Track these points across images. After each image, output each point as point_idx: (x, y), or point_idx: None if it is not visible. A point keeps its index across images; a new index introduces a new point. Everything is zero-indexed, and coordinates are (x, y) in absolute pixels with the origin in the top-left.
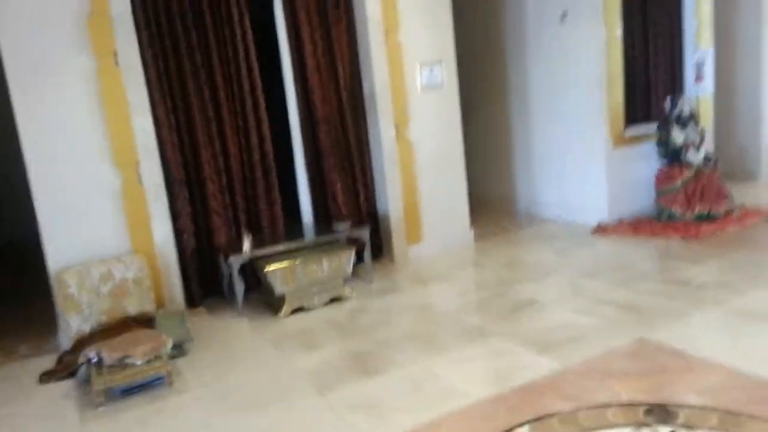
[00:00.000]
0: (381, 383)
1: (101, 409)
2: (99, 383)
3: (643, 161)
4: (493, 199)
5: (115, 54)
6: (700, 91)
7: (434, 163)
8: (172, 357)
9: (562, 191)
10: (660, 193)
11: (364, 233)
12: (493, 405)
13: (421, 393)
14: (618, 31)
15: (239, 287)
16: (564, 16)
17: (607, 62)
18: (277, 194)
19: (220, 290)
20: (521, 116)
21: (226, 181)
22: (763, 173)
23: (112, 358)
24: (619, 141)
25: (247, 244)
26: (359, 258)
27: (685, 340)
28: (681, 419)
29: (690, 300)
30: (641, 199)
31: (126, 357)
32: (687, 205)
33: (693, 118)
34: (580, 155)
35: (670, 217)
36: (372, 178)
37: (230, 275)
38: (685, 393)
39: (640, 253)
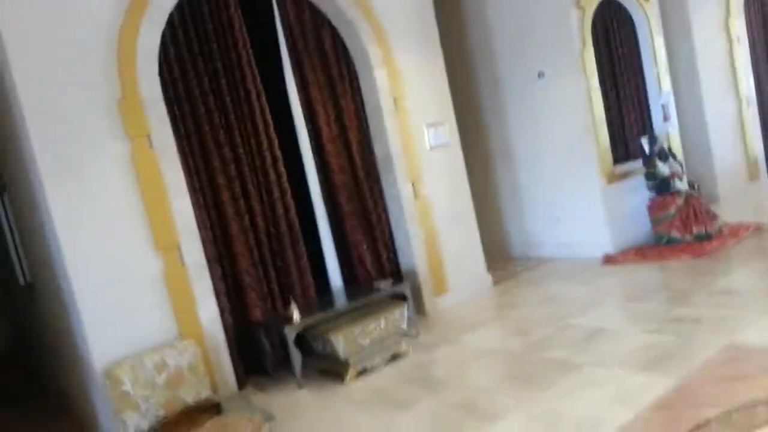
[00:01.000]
0: (507, 427)
1: None
2: None
3: (634, 194)
4: (486, 245)
5: (149, 136)
6: (669, 129)
7: (448, 216)
8: None
9: (559, 231)
10: (656, 221)
11: (405, 289)
12: (644, 425)
13: (558, 429)
14: (595, 82)
15: (297, 359)
16: (542, 75)
17: (592, 109)
18: (306, 262)
19: (260, 367)
20: (506, 166)
21: (258, 256)
22: (720, 195)
23: None
24: (611, 178)
25: (296, 314)
26: None
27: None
28: None
29: (746, 305)
30: (637, 228)
31: None
32: (684, 228)
33: (671, 152)
34: (576, 195)
35: (670, 241)
36: (391, 237)
37: (272, 350)
38: None
39: (664, 274)
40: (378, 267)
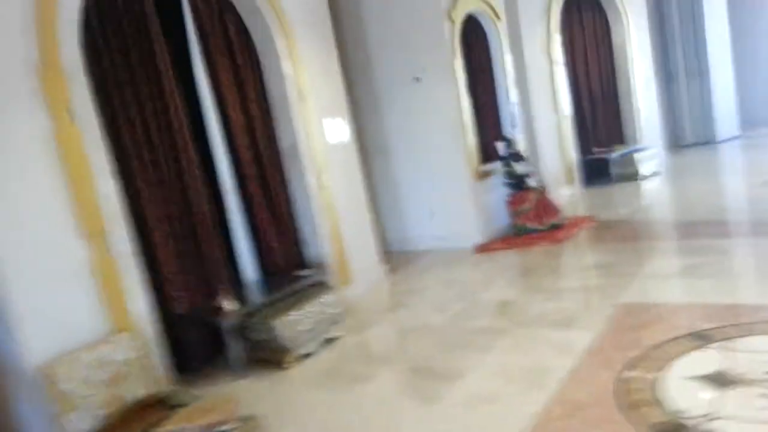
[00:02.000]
0: (473, 382)
1: None
2: None
3: (495, 191)
4: None
5: (69, 110)
6: (516, 134)
7: (346, 208)
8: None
9: (433, 224)
10: (515, 214)
11: (326, 276)
12: (587, 367)
13: (518, 377)
14: (463, 88)
15: (236, 348)
16: (418, 79)
17: (461, 112)
18: (222, 253)
19: (187, 362)
20: (382, 164)
21: (174, 247)
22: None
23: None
24: (478, 176)
25: (228, 304)
26: None
27: (646, 294)
28: (715, 339)
29: (613, 276)
30: (499, 221)
31: (219, 424)
32: (539, 219)
33: (522, 154)
34: (448, 191)
35: (527, 231)
36: (295, 228)
37: (198, 343)
38: (683, 324)
39: (534, 257)
40: (286, 258)
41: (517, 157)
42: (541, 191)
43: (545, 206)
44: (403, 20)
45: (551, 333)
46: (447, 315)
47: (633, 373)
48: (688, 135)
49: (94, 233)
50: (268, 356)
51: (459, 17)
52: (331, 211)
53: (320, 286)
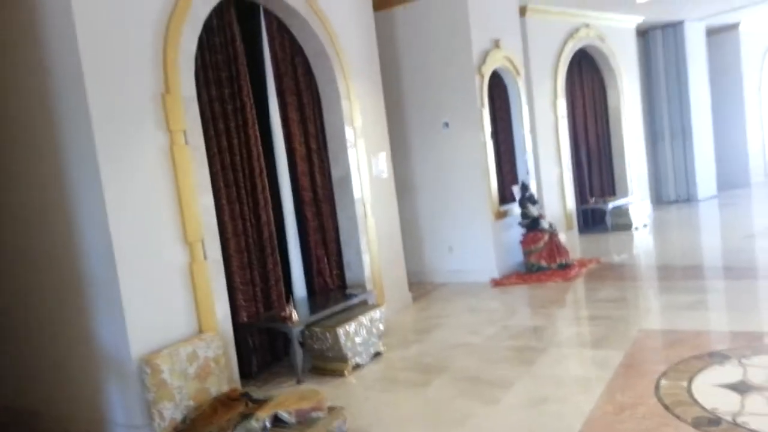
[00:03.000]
0: (523, 388)
1: None
2: None
3: (510, 230)
4: None
5: (185, 132)
6: (529, 179)
7: (384, 236)
8: None
9: (450, 259)
10: (528, 252)
11: (372, 297)
12: (623, 377)
13: (564, 384)
14: (488, 135)
15: (299, 354)
16: (446, 125)
17: (486, 157)
18: (280, 271)
19: (248, 367)
20: (406, 201)
21: (246, 259)
22: None
23: (295, 415)
24: (498, 215)
25: (295, 314)
26: None
27: (663, 322)
28: (731, 357)
29: (627, 307)
30: (513, 258)
31: (312, 410)
32: (550, 258)
33: (535, 197)
34: (469, 228)
35: (539, 269)
36: (339, 253)
37: (258, 350)
38: (702, 346)
39: (550, 292)
40: (331, 279)
41: (532, 200)
42: (552, 233)
43: (556, 246)
44: (437, 72)
45: (585, 351)
46: (482, 336)
47: (666, 382)
48: (671, 192)
49: (193, 240)
50: (326, 364)
51: (487, 72)
52: (372, 239)
53: (367, 305)
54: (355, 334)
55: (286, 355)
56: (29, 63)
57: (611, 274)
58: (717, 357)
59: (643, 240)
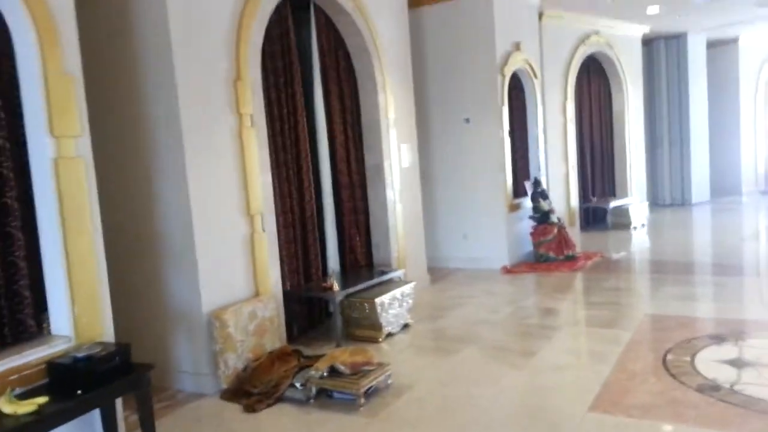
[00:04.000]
0: (547, 355)
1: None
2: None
3: (521, 222)
4: None
5: (251, 116)
6: (539, 176)
7: (408, 221)
8: None
9: (464, 246)
10: (538, 244)
11: (401, 273)
12: (634, 351)
13: (583, 355)
14: (506, 134)
15: (339, 320)
16: (467, 120)
17: (504, 152)
18: (318, 247)
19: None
20: (424, 189)
21: (292, 234)
22: None
23: (350, 367)
24: (511, 208)
25: (336, 285)
26: None
27: (665, 309)
28: (728, 339)
29: (633, 295)
30: (522, 248)
31: (364, 364)
32: (559, 250)
33: (546, 193)
34: (484, 218)
35: (548, 259)
36: (368, 234)
37: (300, 316)
38: (701, 329)
39: (560, 280)
40: (362, 257)
41: (543, 195)
42: (561, 226)
43: (564, 239)
44: (461, 70)
45: (597, 330)
46: (501, 314)
47: (672, 357)
48: (666, 195)
49: (254, 214)
50: (362, 332)
51: (509, 73)
52: (399, 223)
53: (399, 281)
54: (389, 306)
55: (321, 323)
56: (126, 57)
57: (614, 266)
58: (715, 338)
59: (641, 238)
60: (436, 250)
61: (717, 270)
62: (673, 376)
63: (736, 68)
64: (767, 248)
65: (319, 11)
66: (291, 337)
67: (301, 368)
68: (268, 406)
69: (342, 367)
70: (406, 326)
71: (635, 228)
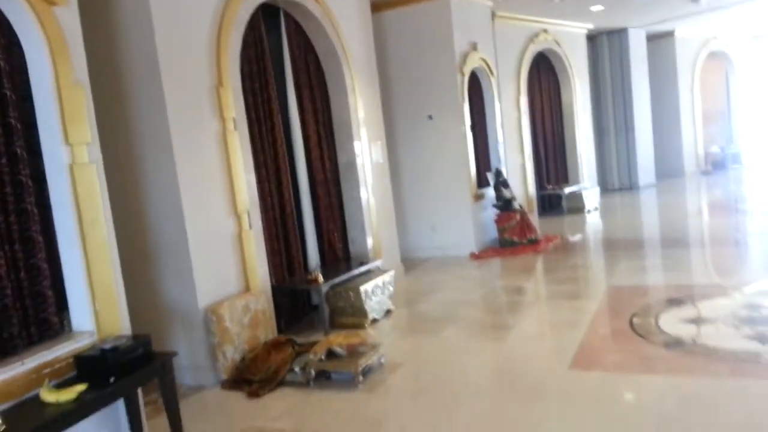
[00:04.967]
0: (525, 329)
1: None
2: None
3: (485, 211)
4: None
5: (234, 119)
6: (500, 167)
7: (380, 215)
8: None
9: (432, 237)
10: (502, 230)
11: (380, 263)
12: (601, 318)
13: (558, 326)
14: (467, 128)
15: (326, 310)
16: (431, 117)
17: (467, 146)
18: (299, 242)
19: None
20: (395, 187)
21: (274, 231)
22: None
23: (346, 349)
24: (476, 197)
25: (320, 277)
26: None
27: (625, 280)
28: (686, 302)
29: (593, 271)
30: (488, 235)
31: (359, 345)
32: (522, 234)
33: (507, 182)
34: (451, 209)
35: (512, 244)
36: (343, 229)
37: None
38: (660, 295)
39: (525, 262)
40: (340, 251)
41: (505, 184)
42: (523, 212)
43: (526, 224)
44: (423, 70)
45: (566, 302)
46: (476, 295)
47: (638, 320)
48: (615, 180)
49: (241, 212)
50: (347, 319)
51: (467, 71)
52: (373, 217)
53: (379, 270)
54: (373, 294)
55: (305, 315)
56: (116, 67)
57: (573, 247)
58: (675, 302)
59: (595, 221)
60: (407, 241)
61: (666, 244)
62: (640, 335)
63: (673, 59)
64: (709, 222)
65: (289, 17)
66: (279, 330)
67: (298, 354)
68: (271, 390)
69: (339, 349)
70: (388, 312)
71: (589, 211)
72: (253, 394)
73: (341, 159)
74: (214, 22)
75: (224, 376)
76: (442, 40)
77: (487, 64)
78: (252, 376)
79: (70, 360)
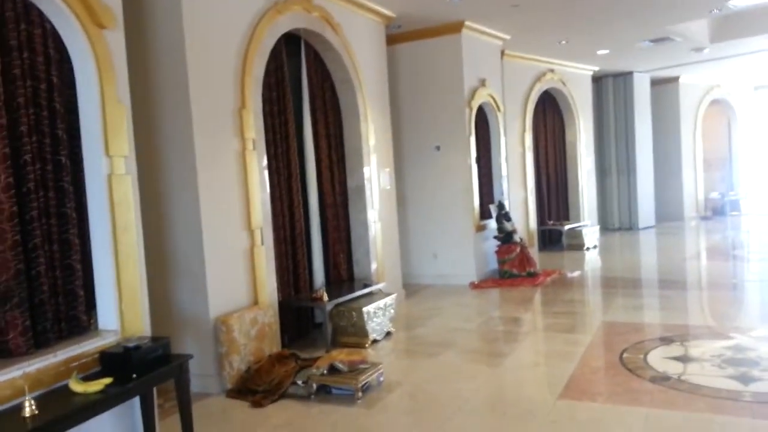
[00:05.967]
0: (519, 357)
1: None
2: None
3: (487, 242)
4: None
5: (253, 140)
6: (503, 200)
7: (386, 239)
8: None
9: (434, 264)
10: (502, 261)
11: (382, 286)
12: (594, 351)
13: (551, 355)
14: (472, 160)
15: (329, 327)
16: (438, 148)
17: (471, 178)
18: (306, 261)
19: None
20: (400, 214)
21: (284, 249)
22: None
23: (348, 365)
24: (478, 228)
25: (326, 296)
26: None
27: (619, 317)
28: (675, 340)
29: (589, 306)
30: (488, 265)
31: (361, 362)
32: (521, 267)
33: (510, 215)
34: (453, 238)
35: (511, 275)
36: (349, 251)
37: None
38: (651, 333)
39: (523, 293)
40: (345, 272)
41: (507, 217)
42: (523, 245)
43: (526, 257)
44: (432, 103)
45: (561, 335)
46: (474, 323)
47: (628, 355)
48: (615, 220)
49: (254, 228)
50: (348, 338)
51: (475, 106)
52: (378, 241)
53: (382, 292)
54: (374, 315)
55: (308, 332)
56: (149, 87)
57: (571, 282)
58: (664, 340)
59: (593, 258)
60: (408, 267)
61: (663, 285)
62: (629, 370)
63: (677, 104)
64: (707, 266)
65: (309, 46)
66: (283, 344)
67: (301, 368)
68: (273, 401)
69: (341, 365)
70: (388, 334)
71: (588, 249)
72: (257, 404)
73: (351, 183)
74: (241, 49)
75: (229, 385)
76: (452, 75)
77: (495, 100)
78: (256, 387)
79: (96, 355)
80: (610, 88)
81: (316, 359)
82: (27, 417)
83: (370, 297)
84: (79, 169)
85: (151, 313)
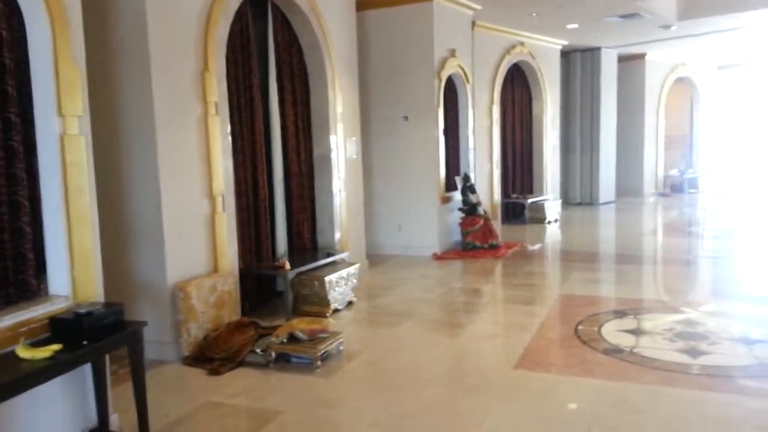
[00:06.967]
0: (478, 328)
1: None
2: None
3: (451, 214)
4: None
5: (216, 104)
6: (469, 172)
7: (350, 209)
8: None
9: (398, 235)
10: (465, 233)
11: (346, 255)
12: (549, 323)
13: (508, 326)
14: (440, 132)
15: (290, 296)
16: (406, 118)
17: (438, 149)
18: (269, 229)
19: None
20: (366, 184)
21: (246, 217)
22: None
23: (308, 334)
24: (443, 200)
25: (288, 264)
26: None
27: (576, 290)
28: (628, 314)
29: (548, 278)
30: (451, 237)
31: (321, 332)
32: (484, 239)
33: (474, 187)
34: (418, 209)
35: (474, 247)
36: (313, 220)
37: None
38: (606, 306)
39: (484, 265)
40: (308, 241)
41: (472, 189)
42: (487, 218)
43: (489, 230)
44: (401, 72)
45: (519, 307)
46: (435, 294)
47: (582, 327)
48: (577, 194)
49: (216, 195)
50: (310, 308)
51: (444, 77)
52: (343, 210)
53: (345, 262)
54: (336, 285)
55: (269, 300)
56: (106, 48)
57: (531, 255)
58: (618, 313)
59: (554, 231)
60: (373, 237)
61: (619, 259)
62: (583, 342)
63: (642, 82)
64: (663, 242)
65: (276, 9)
66: (243, 313)
67: (260, 336)
68: (231, 369)
69: (300, 334)
70: (350, 303)
71: (549, 222)
72: (214, 372)
73: (316, 151)
74: (204, 9)
75: (186, 353)
76: (422, 44)
77: (464, 71)
78: (213, 354)
79: (45, 321)
80: (578, 64)
81: (276, 328)
82: None
83: (333, 266)
84: (30, 129)
85: (106, 278)
